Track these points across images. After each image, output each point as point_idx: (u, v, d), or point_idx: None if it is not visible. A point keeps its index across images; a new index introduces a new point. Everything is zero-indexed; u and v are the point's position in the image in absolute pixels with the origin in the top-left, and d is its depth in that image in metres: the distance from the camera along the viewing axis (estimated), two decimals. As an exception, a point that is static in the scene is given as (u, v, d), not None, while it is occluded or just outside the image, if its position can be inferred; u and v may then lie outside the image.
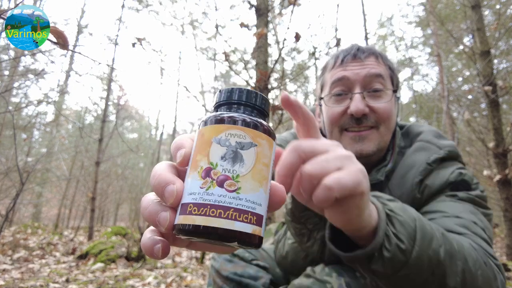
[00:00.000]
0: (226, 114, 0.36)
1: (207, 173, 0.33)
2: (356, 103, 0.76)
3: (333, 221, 0.47)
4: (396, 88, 0.83)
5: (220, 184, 0.33)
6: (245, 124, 0.35)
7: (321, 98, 0.84)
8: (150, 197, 0.37)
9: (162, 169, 0.36)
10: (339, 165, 0.39)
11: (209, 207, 0.32)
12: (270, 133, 0.37)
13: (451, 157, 0.78)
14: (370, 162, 0.82)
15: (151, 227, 0.37)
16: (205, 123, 0.36)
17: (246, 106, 0.38)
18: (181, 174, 0.37)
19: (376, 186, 0.79)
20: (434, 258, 0.51)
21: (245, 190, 0.33)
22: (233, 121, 0.35)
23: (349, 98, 0.79)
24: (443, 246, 0.53)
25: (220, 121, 0.35)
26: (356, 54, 0.80)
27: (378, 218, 0.50)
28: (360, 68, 0.79)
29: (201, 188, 0.33)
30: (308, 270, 0.77)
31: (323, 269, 0.75)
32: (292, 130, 1.04)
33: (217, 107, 0.39)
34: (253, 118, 0.36)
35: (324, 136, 0.89)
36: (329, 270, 0.74)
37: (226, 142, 0.34)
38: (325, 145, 0.41)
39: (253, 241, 0.34)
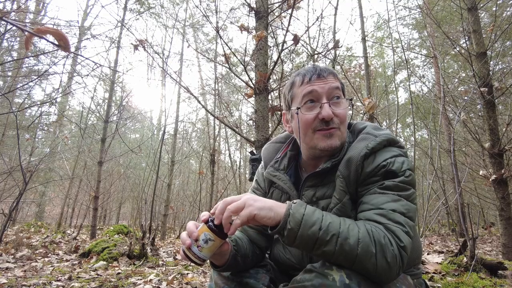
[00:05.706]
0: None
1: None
2: (327, 110, 0.99)
3: None
4: (348, 98, 1.09)
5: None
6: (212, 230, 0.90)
7: (298, 108, 1.05)
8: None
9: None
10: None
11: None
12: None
13: (388, 142, 0.98)
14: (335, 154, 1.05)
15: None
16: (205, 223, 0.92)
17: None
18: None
19: (325, 171, 1.03)
20: (312, 235, 0.81)
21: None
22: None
23: (319, 107, 1.01)
24: (323, 229, 0.81)
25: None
26: (320, 73, 1.03)
27: (284, 214, 0.84)
28: (324, 83, 1.02)
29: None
30: (309, 266, 0.84)
31: (323, 263, 0.82)
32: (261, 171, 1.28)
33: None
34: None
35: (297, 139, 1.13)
36: (329, 264, 0.80)
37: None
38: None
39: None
